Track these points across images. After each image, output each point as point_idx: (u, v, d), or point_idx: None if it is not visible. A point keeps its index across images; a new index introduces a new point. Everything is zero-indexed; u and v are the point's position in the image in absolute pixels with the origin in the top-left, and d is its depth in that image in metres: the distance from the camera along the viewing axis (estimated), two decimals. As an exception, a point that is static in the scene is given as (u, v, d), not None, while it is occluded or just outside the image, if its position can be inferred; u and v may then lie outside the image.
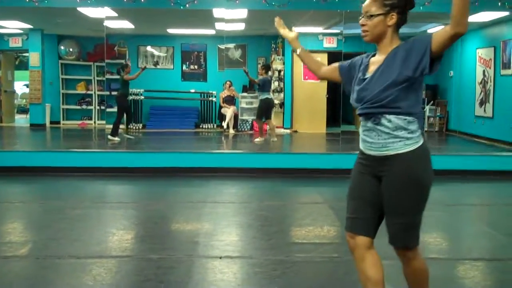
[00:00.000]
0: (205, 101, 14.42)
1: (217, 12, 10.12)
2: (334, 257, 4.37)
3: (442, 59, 2.51)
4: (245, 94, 13.99)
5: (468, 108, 12.65)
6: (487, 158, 8.89)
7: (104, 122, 13.61)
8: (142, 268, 4.00)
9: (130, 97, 12.76)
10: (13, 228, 5.40)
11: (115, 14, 10.42)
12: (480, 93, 12.20)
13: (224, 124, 13.32)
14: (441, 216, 5.91)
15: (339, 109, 11.35)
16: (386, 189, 2.62)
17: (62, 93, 14.85)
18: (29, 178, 7.90)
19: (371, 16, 2.59)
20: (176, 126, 13.86)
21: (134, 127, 13.43)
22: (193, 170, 8.22)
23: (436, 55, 2.46)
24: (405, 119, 2.54)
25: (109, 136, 10.75)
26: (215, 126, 14.18)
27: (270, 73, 12.44)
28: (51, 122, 14.51)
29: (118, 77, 11.04)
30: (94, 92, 14.87)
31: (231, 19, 10.86)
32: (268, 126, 11.45)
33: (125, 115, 11.41)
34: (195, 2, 8.93)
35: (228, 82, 13.67)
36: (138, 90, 13.80)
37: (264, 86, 11.08)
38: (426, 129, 13.08)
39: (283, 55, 14.03)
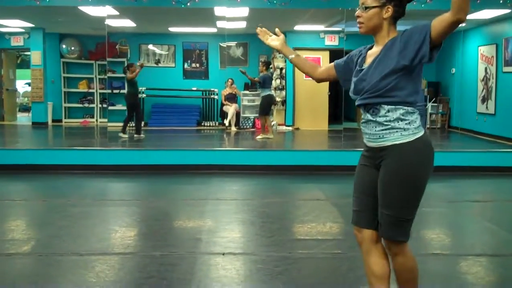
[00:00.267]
0: (207, 99, 14.43)
1: (219, 10, 10.10)
2: (337, 253, 4.37)
3: (441, 48, 2.46)
4: (246, 91, 13.99)
5: (470, 105, 12.64)
6: (489, 155, 8.87)
7: (106, 120, 13.60)
8: (144, 265, 4.01)
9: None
10: (16, 225, 5.41)
11: (117, 13, 10.41)
12: (482, 90, 12.19)
13: (226, 122, 13.33)
14: (444, 212, 5.91)
15: (341, 106, 11.34)
16: (380, 179, 2.60)
17: (64, 92, 14.86)
18: (31, 176, 7.91)
19: (367, 8, 2.57)
20: (178, 124, 13.87)
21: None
22: (195, 167, 8.23)
23: (436, 43, 2.42)
24: (403, 109, 2.52)
25: (119, 134, 11.00)
26: (217, 124, 14.19)
27: (271, 69, 12.46)
28: (53, 120, 14.52)
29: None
30: (96, 91, 14.88)
31: (233, 17, 10.84)
32: (266, 123, 11.47)
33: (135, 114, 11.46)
34: (197, 0, 8.93)
35: (229, 80, 13.67)
36: (140, 88, 13.78)
37: (265, 82, 11.16)
38: (428, 126, 13.06)
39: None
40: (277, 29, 3.03)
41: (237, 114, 13.55)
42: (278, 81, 13.80)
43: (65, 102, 14.90)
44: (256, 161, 8.39)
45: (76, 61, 14.87)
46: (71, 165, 8.19)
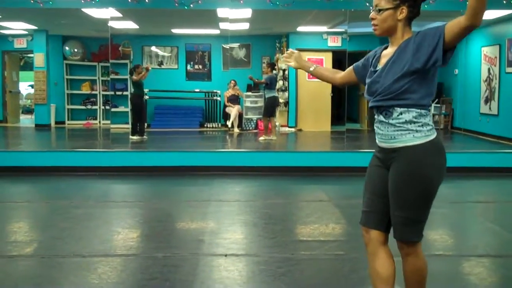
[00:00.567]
0: (210, 101, 14.44)
1: (222, 12, 10.12)
2: (339, 254, 4.37)
3: (455, 50, 2.45)
4: (249, 93, 14.00)
5: (473, 106, 12.61)
6: (492, 156, 8.86)
7: (109, 122, 13.63)
8: (147, 267, 4.01)
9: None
10: (19, 227, 5.42)
11: (120, 15, 10.44)
12: (485, 91, 12.16)
13: (229, 123, 13.33)
14: (447, 213, 5.90)
15: (343, 107, 11.32)
16: (390, 180, 2.59)
17: (67, 93, 14.87)
18: (34, 177, 7.93)
19: (380, 10, 2.55)
20: (180, 126, 13.87)
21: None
22: (198, 169, 8.23)
23: (449, 47, 2.40)
24: (417, 112, 2.51)
25: (130, 137, 11.02)
26: (219, 125, 14.19)
27: (275, 71, 12.47)
28: (56, 122, 14.54)
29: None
30: (99, 92, 14.89)
31: (235, 18, 10.87)
32: (271, 124, 11.47)
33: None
34: (200, 2, 8.95)
35: (232, 81, 13.68)
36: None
37: (271, 84, 11.21)
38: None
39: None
40: (289, 50, 3.11)
41: (240, 116, 13.55)
42: (281, 82, 13.80)
43: (68, 104, 14.92)
44: (258, 163, 8.39)
45: (79, 63, 14.89)
46: (74, 167, 8.21)
